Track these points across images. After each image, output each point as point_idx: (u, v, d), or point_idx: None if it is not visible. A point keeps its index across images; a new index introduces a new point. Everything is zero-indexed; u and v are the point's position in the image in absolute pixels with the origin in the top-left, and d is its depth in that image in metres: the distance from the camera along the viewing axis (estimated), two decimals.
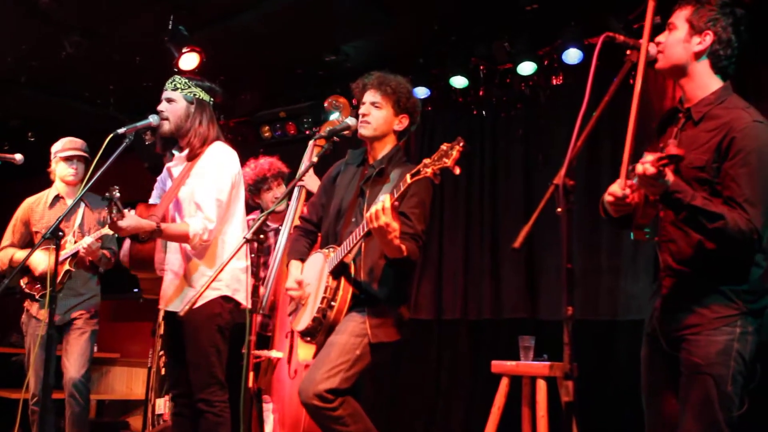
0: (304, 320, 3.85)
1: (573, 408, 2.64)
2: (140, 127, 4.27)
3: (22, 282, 5.40)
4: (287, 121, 7.95)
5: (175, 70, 6.56)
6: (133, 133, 4.24)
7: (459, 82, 6.77)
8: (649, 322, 3.24)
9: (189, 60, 6.58)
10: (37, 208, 5.53)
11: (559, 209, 2.52)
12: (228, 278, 4.17)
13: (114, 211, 3.86)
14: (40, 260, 5.23)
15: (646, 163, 2.71)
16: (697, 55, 3.10)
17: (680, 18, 3.14)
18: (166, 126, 4.31)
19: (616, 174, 6.04)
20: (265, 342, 4.93)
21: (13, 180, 9.16)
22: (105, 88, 7.98)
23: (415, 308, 6.71)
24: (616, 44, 2.94)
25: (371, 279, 3.73)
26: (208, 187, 4.17)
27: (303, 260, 4.06)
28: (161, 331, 6.44)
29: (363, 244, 3.72)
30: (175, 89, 4.31)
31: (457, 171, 3.19)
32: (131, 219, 3.97)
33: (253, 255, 3.54)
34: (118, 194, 3.87)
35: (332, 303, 3.68)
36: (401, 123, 3.98)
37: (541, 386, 5.16)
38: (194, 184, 4.23)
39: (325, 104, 5.24)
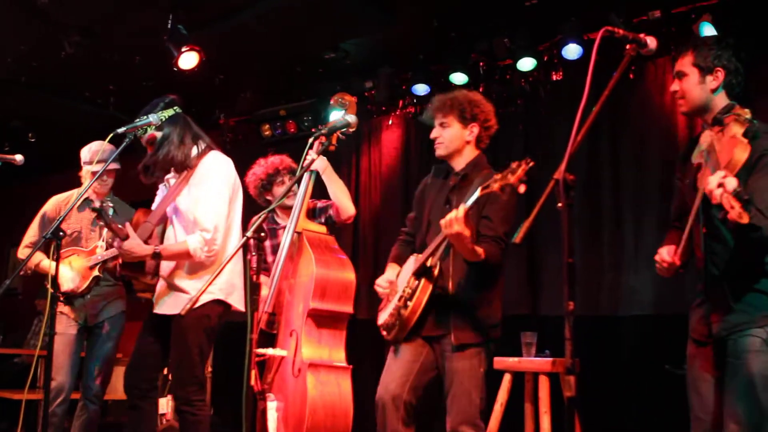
0: (383, 316, 4.03)
1: (575, 403, 2.65)
2: (140, 126, 4.26)
3: (47, 283, 5.35)
4: (287, 119, 7.96)
5: (175, 69, 6.56)
6: (133, 133, 4.24)
7: (459, 78, 6.77)
8: (696, 327, 3.44)
9: (188, 59, 6.57)
10: (64, 207, 5.48)
11: (559, 204, 2.52)
12: (222, 282, 4.21)
13: (103, 222, 3.96)
14: (66, 278, 5.13)
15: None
16: (714, 90, 3.41)
17: (686, 65, 3.46)
18: (161, 160, 4.34)
19: (615, 168, 6.05)
20: (271, 340, 4.93)
21: (14, 181, 9.16)
22: (105, 88, 7.98)
23: None
24: (615, 39, 2.94)
25: (456, 281, 3.88)
26: (205, 200, 4.20)
27: (400, 264, 4.20)
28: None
29: (452, 249, 3.83)
30: (146, 132, 4.30)
31: (522, 189, 3.33)
32: (134, 242, 4.08)
33: (254, 254, 3.54)
34: (109, 205, 3.95)
35: (408, 302, 3.84)
36: (471, 132, 4.09)
37: (544, 382, 5.15)
38: (192, 195, 4.25)
39: (332, 101, 5.23)
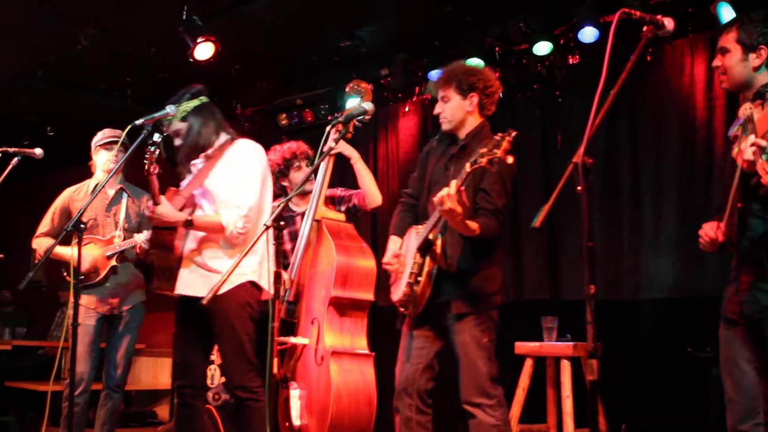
0: (397, 292, 4.07)
1: (598, 387, 2.65)
2: (158, 118, 4.27)
3: (65, 271, 5.37)
4: (304, 108, 7.96)
5: (192, 60, 6.57)
6: (150, 124, 4.25)
7: (475, 63, 6.73)
8: (727, 306, 3.41)
9: (204, 50, 6.58)
10: (77, 198, 5.49)
11: (578, 188, 2.52)
12: (254, 264, 4.21)
13: (154, 156, 3.98)
14: (83, 257, 5.14)
15: None
16: (757, 68, 3.35)
17: (730, 41, 3.39)
18: (185, 149, 4.35)
19: (633, 151, 6.02)
20: (291, 328, 4.94)
21: (34, 174, 9.22)
22: (121, 81, 8.00)
23: None
24: (632, 20, 2.93)
25: (454, 255, 3.91)
26: (238, 181, 4.20)
27: (400, 236, 4.23)
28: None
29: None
30: (171, 122, 4.30)
31: (509, 160, 3.34)
32: (166, 207, 4.08)
33: (275, 243, 3.55)
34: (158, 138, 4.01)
35: (419, 278, 3.89)
36: (471, 102, 4.07)
37: (566, 366, 5.16)
38: (222, 176, 4.24)
39: (347, 89, 5.22)
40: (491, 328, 3.95)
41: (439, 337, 4.06)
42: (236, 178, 4.20)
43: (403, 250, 4.13)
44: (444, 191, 3.52)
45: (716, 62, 3.46)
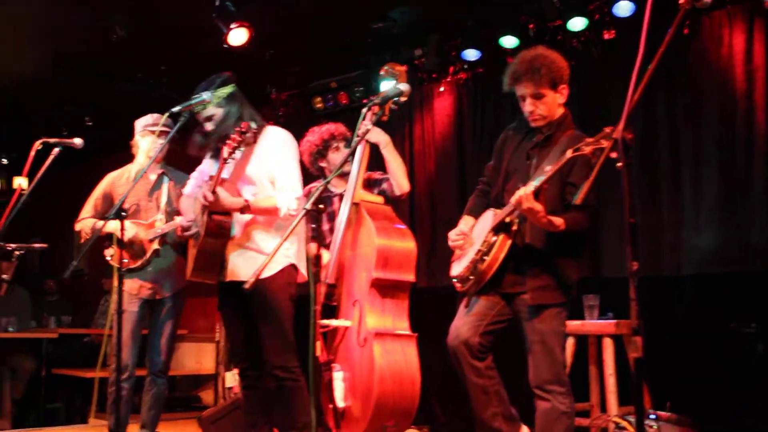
0: (458, 267, 4.08)
1: (643, 364, 2.63)
2: (194, 105, 4.32)
3: (107, 254, 5.42)
4: (339, 91, 7.97)
5: (226, 46, 6.59)
6: (188, 111, 4.30)
7: (509, 41, 6.69)
8: None
9: (238, 35, 6.60)
10: (119, 183, 5.52)
11: (618, 164, 2.50)
12: (296, 249, 4.35)
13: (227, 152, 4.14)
14: (128, 228, 5.14)
15: None
16: None
17: None
18: (221, 134, 4.42)
19: (672, 125, 5.93)
20: (331, 311, 4.97)
21: (75, 164, 9.33)
22: (156, 69, 8.05)
23: None
24: None
25: (533, 240, 3.84)
26: (285, 164, 4.35)
27: (475, 216, 4.20)
28: None
29: None
30: (205, 107, 4.39)
31: (614, 154, 3.20)
32: (224, 192, 4.18)
33: (314, 225, 3.59)
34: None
35: (485, 257, 3.87)
36: (563, 94, 4.02)
37: (608, 344, 5.14)
38: (266, 161, 4.36)
39: (381, 72, 5.21)
40: (566, 317, 3.93)
41: (508, 312, 4.03)
42: (285, 164, 4.35)
43: (475, 231, 4.10)
44: (520, 191, 3.51)
45: None
